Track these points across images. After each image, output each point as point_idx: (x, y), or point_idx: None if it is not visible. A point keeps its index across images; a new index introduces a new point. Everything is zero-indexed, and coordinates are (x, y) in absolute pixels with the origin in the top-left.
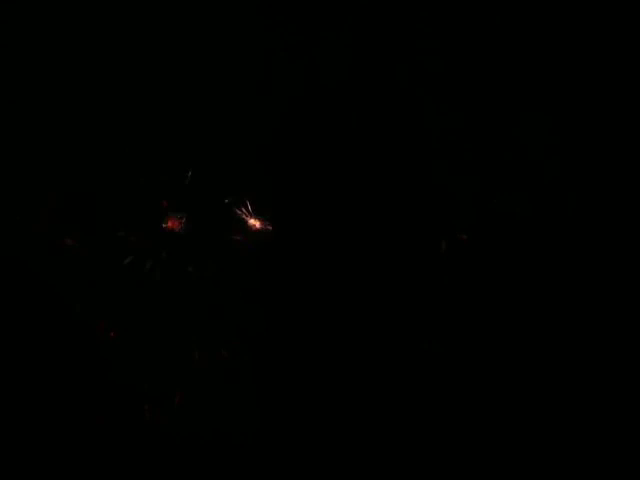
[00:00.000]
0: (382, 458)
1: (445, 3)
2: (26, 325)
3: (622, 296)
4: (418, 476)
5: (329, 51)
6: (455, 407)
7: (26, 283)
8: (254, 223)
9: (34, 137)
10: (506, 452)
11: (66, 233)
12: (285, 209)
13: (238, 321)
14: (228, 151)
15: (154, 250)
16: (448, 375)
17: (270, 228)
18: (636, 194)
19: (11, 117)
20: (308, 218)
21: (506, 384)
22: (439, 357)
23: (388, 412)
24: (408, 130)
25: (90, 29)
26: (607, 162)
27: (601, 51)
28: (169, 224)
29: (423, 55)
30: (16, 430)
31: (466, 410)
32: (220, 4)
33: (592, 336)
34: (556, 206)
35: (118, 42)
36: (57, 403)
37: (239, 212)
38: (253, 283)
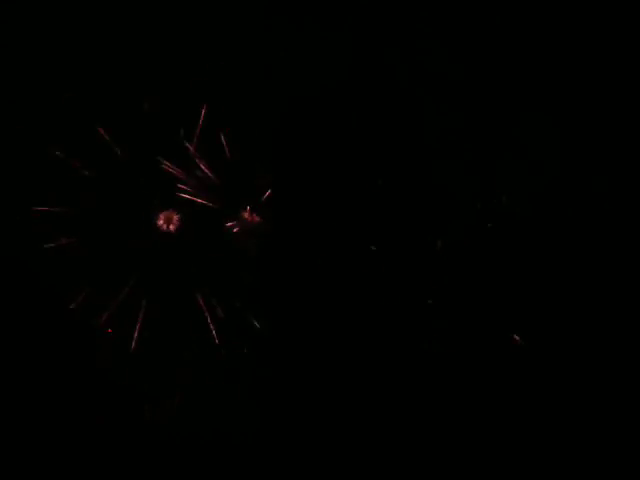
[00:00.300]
0: (381, 457)
1: (445, 3)
2: (26, 325)
3: (621, 296)
4: (417, 475)
5: (329, 51)
6: (454, 406)
7: (26, 283)
8: (253, 222)
9: (32, 137)
10: (505, 451)
11: (65, 233)
12: (285, 208)
13: (238, 321)
14: (228, 149)
15: (152, 249)
16: (448, 375)
17: (269, 226)
18: (636, 193)
19: (10, 118)
20: (308, 217)
21: (505, 383)
22: (439, 357)
23: (387, 411)
24: (408, 130)
25: (94, 30)
26: (607, 162)
27: (600, 52)
28: (163, 223)
29: (423, 55)
30: (16, 429)
31: (465, 409)
32: (221, 5)
33: (591, 334)
34: (556, 206)
35: (118, 42)
36: (57, 402)
37: (238, 211)
38: (252, 282)
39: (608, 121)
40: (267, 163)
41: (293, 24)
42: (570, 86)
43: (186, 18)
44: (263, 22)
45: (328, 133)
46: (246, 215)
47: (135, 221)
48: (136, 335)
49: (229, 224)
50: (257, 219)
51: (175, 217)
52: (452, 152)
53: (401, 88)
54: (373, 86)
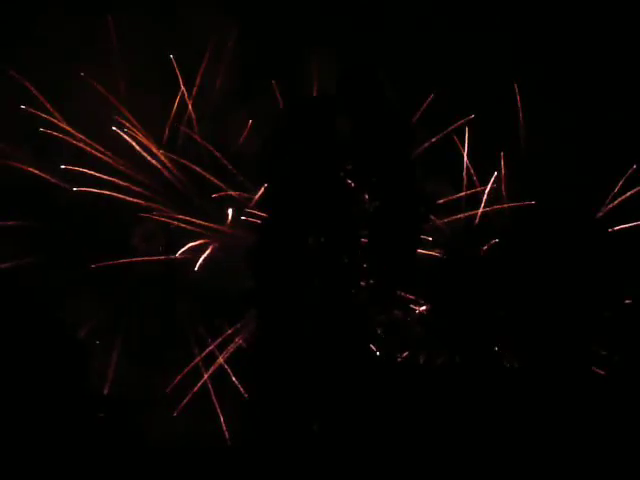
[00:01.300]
0: (378, 458)
1: (445, 5)
2: (18, 335)
3: (623, 301)
4: (414, 476)
5: (322, 62)
6: (449, 413)
7: (14, 297)
8: (234, 235)
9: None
10: (504, 453)
11: (45, 249)
12: (269, 219)
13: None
14: (218, 160)
15: (133, 265)
16: (443, 381)
17: (252, 239)
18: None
19: (10, 121)
20: (293, 229)
21: (502, 387)
22: (435, 362)
23: (383, 414)
24: (404, 136)
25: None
26: (608, 162)
27: (601, 53)
28: (142, 242)
29: (417, 63)
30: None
31: (461, 413)
32: (221, 7)
33: (593, 336)
34: (557, 206)
35: (103, 54)
36: (49, 410)
37: (227, 222)
38: (236, 294)
39: (610, 121)
40: (251, 177)
41: (292, 25)
42: (571, 86)
43: (185, 19)
44: (263, 22)
45: (322, 142)
46: (227, 229)
47: (117, 238)
48: (118, 349)
49: (209, 240)
50: (239, 232)
51: (156, 235)
52: (449, 156)
53: (397, 93)
54: (367, 96)
